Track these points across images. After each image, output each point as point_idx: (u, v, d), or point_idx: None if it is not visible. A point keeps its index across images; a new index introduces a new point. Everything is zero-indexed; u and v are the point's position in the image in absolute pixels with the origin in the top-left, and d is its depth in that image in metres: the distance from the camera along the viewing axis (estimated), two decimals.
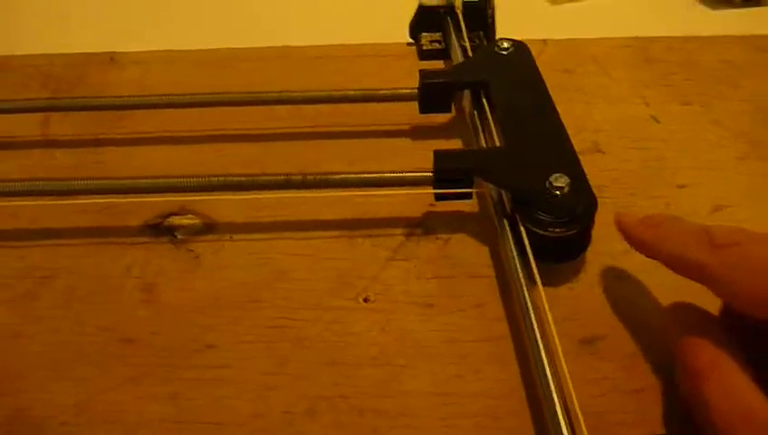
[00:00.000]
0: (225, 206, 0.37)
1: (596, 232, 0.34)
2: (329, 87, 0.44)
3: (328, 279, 0.34)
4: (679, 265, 0.28)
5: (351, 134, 0.42)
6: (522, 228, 0.32)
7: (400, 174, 0.35)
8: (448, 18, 0.48)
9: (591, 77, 0.47)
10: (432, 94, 0.40)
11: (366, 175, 0.35)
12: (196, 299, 0.33)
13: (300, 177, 0.35)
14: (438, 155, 0.35)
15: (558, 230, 0.32)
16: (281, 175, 0.35)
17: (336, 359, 0.31)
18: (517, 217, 0.33)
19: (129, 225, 0.37)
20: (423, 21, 0.49)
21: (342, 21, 0.55)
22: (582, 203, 0.32)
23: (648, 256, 0.30)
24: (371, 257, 0.35)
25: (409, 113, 0.42)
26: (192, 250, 0.35)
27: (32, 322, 0.32)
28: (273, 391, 0.29)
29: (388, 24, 0.51)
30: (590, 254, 0.34)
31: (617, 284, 0.33)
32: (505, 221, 0.33)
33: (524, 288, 0.30)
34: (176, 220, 0.37)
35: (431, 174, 0.34)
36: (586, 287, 0.33)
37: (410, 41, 0.50)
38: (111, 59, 0.49)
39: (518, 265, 0.31)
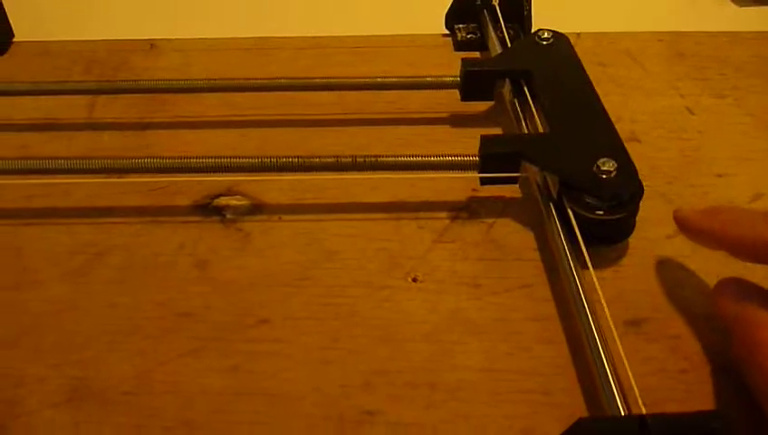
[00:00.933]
0: (273, 188, 0.38)
1: (638, 217, 0.34)
2: (369, 75, 0.45)
3: (376, 259, 0.35)
4: (752, 248, 0.28)
5: (393, 121, 0.43)
6: (569, 212, 0.33)
7: (447, 158, 0.36)
8: (485, 10, 0.49)
9: (626, 69, 0.48)
10: (474, 82, 0.41)
11: (413, 159, 0.36)
12: (247, 276, 0.34)
13: (350, 159, 0.35)
14: (485, 140, 0.35)
15: (605, 214, 0.32)
16: (331, 157, 0.35)
17: (389, 335, 0.31)
18: (564, 200, 0.33)
19: (178, 204, 0.37)
20: (459, 12, 0.50)
21: (378, 11, 0.55)
22: (629, 187, 0.33)
23: (710, 247, 0.31)
24: (418, 239, 0.36)
25: (450, 101, 0.43)
26: (241, 229, 0.36)
27: (87, 296, 0.33)
28: (328, 365, 0.30)
29: (424, 15, 0.52)
30: (633, 239, 0.35)
31: (660, 268, 0.34)
32: (552, 205, 0.34)
33: (574, 271, 0.31)
34: (224, 201, 0.37)
35: (477, 158, 0.35)
36: (630, 271, 0.34)
37: (446, 32, 0.51)
38: (152, 46, 0.49)
39: (566, 248, 0.32)
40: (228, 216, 0.37)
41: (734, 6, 0.57)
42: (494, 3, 0.48)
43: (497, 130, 0.42)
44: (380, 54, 0.49)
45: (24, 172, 0.36)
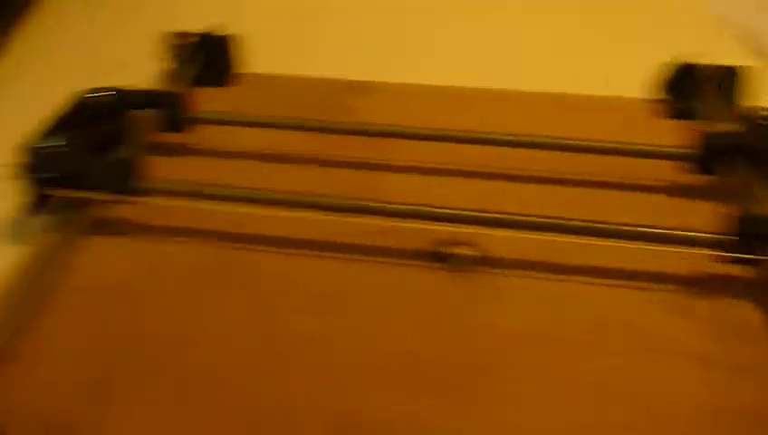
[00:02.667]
0: (498, 241, 0.39)
1: None
2: (570, 135, 0.46)
3: (609, 326, 0.35)
4: None
5: (615, 185, 0.43)
6: None
7: (697, 233, 0.36)
8: (702, 81, 0.49)
9: None
10: (713, 156, 0.41)
11: (654, 231, 0.36)
12: (479, 327, 0.35)
13: (580, 223, 0.36)
14: (745, 220, 0.35)
15: None
16: (565, 219, 0.36)
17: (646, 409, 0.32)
18: None
19: (413, 248, 0.39)
20: (673, 81, 0.50)
21: (580, 69, 0.56)
22: None
23: None
24: (651, 311, 0.36)
25: (669, 170, 0.43)
26: (470, 280, 0.37)
27: (338, 331, 0.35)
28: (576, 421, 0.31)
29: (628, 78, 0.52)
30: None
31: None
32: None
33: None
34: (455, 249, 0.39)
35: (728, 237, 0.35)
36: None
37: (650, 96, 0.51)
38: (363, 87, 0.52)
39: None
40: (459, 263, 0.38)
41: None
42: (709, 74, 0.48)
43: (713, 205, 0.42)
44: (586, 113, 0.50)
45: (265, 203, 0.38)
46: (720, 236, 0.35)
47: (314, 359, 0.33)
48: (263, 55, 0.55)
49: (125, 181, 0.37)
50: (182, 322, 0.35)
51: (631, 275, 0.38)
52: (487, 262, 0.38)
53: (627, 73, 0.52)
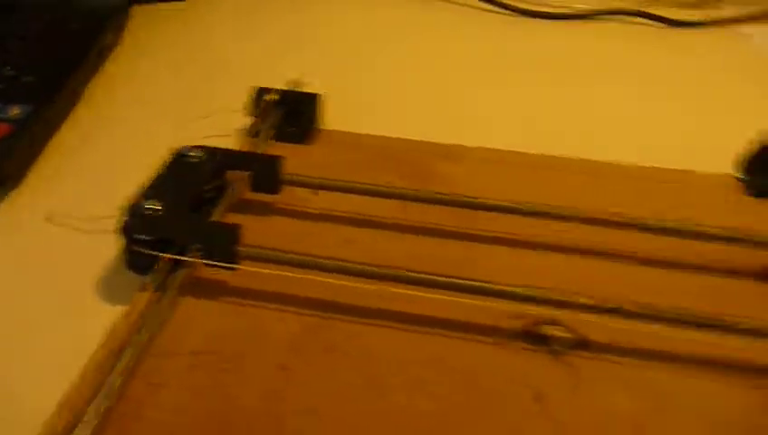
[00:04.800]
0: (595, 323, 0.38)
1: None
2: (656, 210, 0.46)
3: (708, 420, 0.34)
4: None
5: (712, 270, 0.43)
6: None
7: None
8: None
9: None
10: None
11: (756, 324, 0.36)
12: (585, 420, 0.34)
13: (679, 313, 0.36)
14: None
15: None
16: (669, 311, 0.36)
17: None
18: None
19: (507, 327, 0.39)
20: (759, 158, 0.50)
21: (669, 143, 0.56)
22: None
23: None
24: (750, 408, 0.35)
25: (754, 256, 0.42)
26: (570, 364, 0.37)
27: (423, 409, 0.34)
28: None
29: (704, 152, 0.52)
30: None
31: None
32: None
33: None
34: (549, 329, 0.38)
35: None
36: None
37: (728, 172, 0.51)
38: (450, 152, 0.52)
39: None
40: (555, 346, 0.38)
41: None
42: None
43: None
44: (664, 189, 0.50)
45: (359, 275, 0.38)
46: None
47: None
48: (345, 113, 0.55)
49: (228, 247, 0.37)
50: (275, 393, 0.35)
51: (728, 369, 0.37)
52: (583, 345, 0.38)
53: (715, 149, 0.52)
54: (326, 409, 0.34)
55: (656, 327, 0.37)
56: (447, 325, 0.39)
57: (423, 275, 0.38)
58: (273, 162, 0.44)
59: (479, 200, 0.44)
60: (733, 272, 0.43)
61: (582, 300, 0.37)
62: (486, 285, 0.38)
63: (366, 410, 0.34)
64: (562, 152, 0.53)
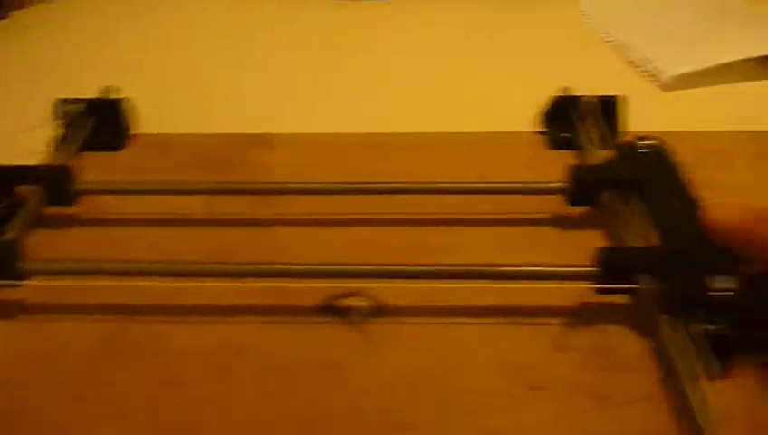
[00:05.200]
0: (393, 290, 0.40)
1: None
2: (467, 172, 0.48)
3: (496, 364, 0.36)
4: None
5: (499, 222, 0.45)
6: (686, 325, 0.34)
7: (563, 268, 0.38)
8: (579, 110, 0.51)
9: (712, 170, 0.49)
10: (583, 189, 0.43)
11: (530, 268, 0.38)
12: (379, 380, 0.36)
13: (467, 268, 0.38)
14: (603, 251, 0.37)
15: (722, 329, 0.34)
16: (448, 266, 0.38)
17: None
18: (680, 313, 0.35)
19: (305, 305, 0.39)
20: (554, 111, 0.52)
21: (477, 109, 0.59)
22: (744, 304, 0.34)
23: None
24: (534, 344, 0.37)
25: (553, 204, 0.45)
26: (366, 331, 0.38)
27: (227, 397, 0.35)
28: None
29: (518, 113, 0.55)
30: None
31: None
32: (667, 317, 0.35)
33: (690, 383, 0.32)
34: (348, 301, 0.39)
35: (594, 268, 0.37)
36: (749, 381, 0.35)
37: (537, 129, 0.53)
38: (265, 140, 0.52)
39: (682, 361, 0.33)
40: (352, 316, 0.39)
41: None
42: (586, 105, 0.51)
43: (600, 234, 0.44)
44: (481, 150, 0.52)
45: (161, 275, 0.38)
46: (588, 269, 0.37)
47: (214, 424, 0.34)
48: (160, 117, 0.55)
49: (8, 265, 0.37)
50: (79, 403, 0.35)
51: (512, 313, 0.39)
52: (380, 312, 0.39)
53: (519, 108, 0.54)
54: (127, 410, 0.34)
55: (451, 283, 0.38)
56: (248, 311, 0.39)
57: (216, 267, 0.38)
58: (62, 173, 0.44)
59: (278, 185, 0.45)
60: (528, 221, 0.45)
61: (374, 268, 0.38)
62: (279, 266, 0.39)
63: (165, 405, 0.35)
64: (379, 129, 0.54)
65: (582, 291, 0.39)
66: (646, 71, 0.63)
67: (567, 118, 0.52)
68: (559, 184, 0.44)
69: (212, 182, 0.46)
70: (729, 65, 0.60)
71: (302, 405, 0.35)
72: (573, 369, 0.36)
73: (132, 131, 0.54)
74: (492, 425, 0.34)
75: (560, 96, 0.52)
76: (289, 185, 0.45)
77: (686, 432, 0.33)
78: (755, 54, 0.61)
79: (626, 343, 0.37)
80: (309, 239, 0.44)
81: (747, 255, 0.33)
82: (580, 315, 0.39)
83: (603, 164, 0.45)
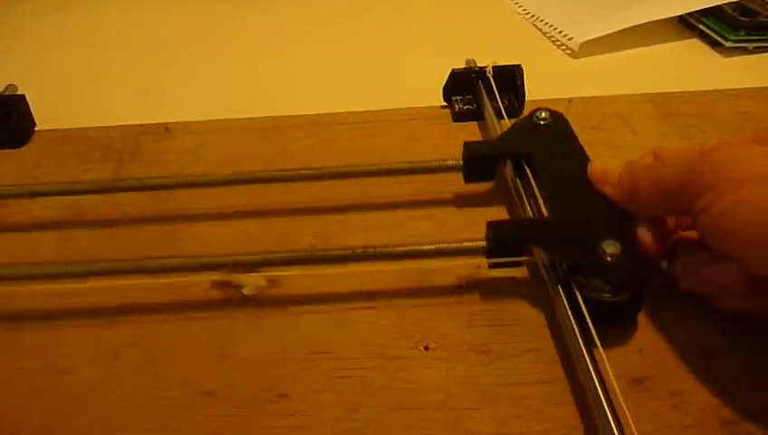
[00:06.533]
0: (289, 274, 0.39)
1: None
2: (373, 150, 0.48)
3: (388, 333, 0.36)
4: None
5: (398, 204, 0.45)
6: (577, 294, 0.34)
7: (455, 244, 0.37)
8: (480, 81, 0.52)
9: (615, 132, 0.50)
10: (476, 165, 0.43)
11: (422, 247, 0.37)
12: (265, 352, 0.35)
13: (361, 250, 0.37)
14: (492, 226, 0.37)
15: (612, 296, 0.34)
16: (343, 249, 0.37)
17: (403, 404, 0.33)
18: (572, 283, 0.35)
19: (199, 289, 0.39)
20: (455, 84, 0.52)
21: (380, 86, 0.59)
22: (635, 269, 0.35)
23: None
24: (427, 308, 0.37)
25: (454, 182, 0.45)
26: (259, 307, 0.38)
27: (116, 379, 0.35)
28: None
29: (423, 88, 0.54)
30: None
31: (659, 325, 0.36)
32: (560, 287, 0.35)
33: (583, 351, 0.32)
34: (241, 278, 0.39)
35: (484, 243, 0.37)
36: (630, 329, 0.36)
37: (444, 104, 0.53)
38: (166, 129, 0.52)
39: (575, 329, 0.33)
40: (245, 292, 0.38)
41: (719, 57, 0.60)
42: (488, 75, 0.51)
43: (501, 210, 0.44)
44: (383, 128, 0.52)
45: (52, 277, 0.38)
46: (479, 244, 0.37)
47: (100, 409, 0.33)
48: (60, 112, 0.54)
49: None
50: None
51: (410, 293, 0.39)
52: (276, 286, 0.39)
53: (428, 82, 0.54)
54: (9, 419, 0.34)
55: (345, 267, 0.38)
56: (142, 309, 0.39)
57: (105, 266, 0.38)
58: None
59: (173, 180, 0.45)
60: (427, 202, 0.45)
61: (266, 257, 0.38)
62: (180, 260, 0.38)
63: (53, 410, 0.34)
64: (284, 112, 0.54)
65: (478, 267, 0.39)
66: (555, 39, 0.64)
67: (470, 90, 0.52)
68: (453, 162, 0.43)
69: (108, 180, 0.46)
70: (636, 29, 0.61)
71: (186, 381, 0.34)
72: (462, 328, 0.36)
73: (33, 128, 0.53)
74: (380, 385, 0.34)
75: (460, 69, 0.52)
76: (188, 178, 0.45)
77: (569, 379, 0.33)
78: (660, 17, 0.62)
79: (516, 299, 0.38)
80: (210, 231, 0.44)
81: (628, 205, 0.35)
82: (473, 277, 0.39)
83: (495, 139, 0.45)
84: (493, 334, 0.36)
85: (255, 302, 0.38)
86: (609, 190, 0.37)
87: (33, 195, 0.45)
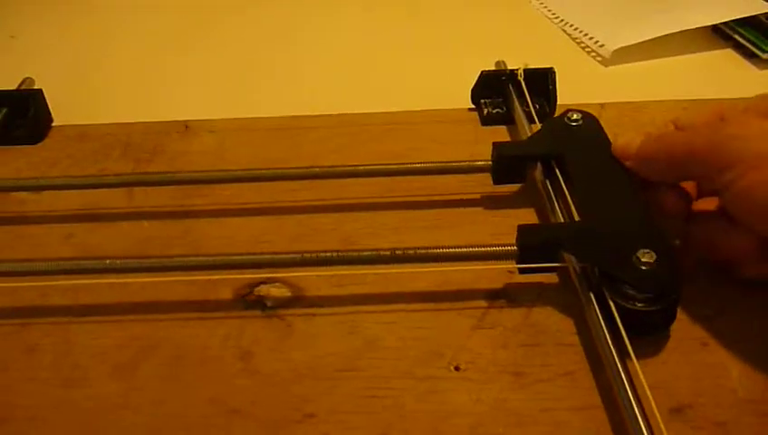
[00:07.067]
0: (313, 276, 0.38)
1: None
2: (397, 152, 0.47)
3: (417, 348, 0.35)
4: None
5: (426, 204, 0.44)
6: (610, 302, 0.33)
7: (485, 248, 0.36)
8: (510, 84, 0.50)
9: None
10: (506, 166, 0.42)
11: (451, 250, 0.36)
12: (291, 368, 0.34)
13: (389, 252, 0.36)
14: (523, 229, 0.36)
15: (646, 305, 0.33)
16: (370, 250, 0.36)
17: (436, 428, 0.31)
18: (604, 290, 0.34)
19: (221, 297, 0.38)
20: (485, 87, 0.51)
21: (406, 87, 0.57)
22: (669, 278, 0.33)
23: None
24: (458, 326, 0.36)
25: (480, 183, 0.44)
26: (283, 319, 0.37)
27: (136, 394, 0.33)
28: None
29: (451, 90, 0.53)
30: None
31: (701, 350, 0.34)
32: (591, 294, 0.34)
33: (617, 362, 0.31)
34: (264, 290, 0.38)
35: (514, 248, 0.36)
36: (671, 355, 0.34)
37: (472, 106, 0.52)
38: (186, 127, 0.51)
39: (608, 339, 0.32)
40: (269, 305, 0.37)
41: (754, 70, 0.58)
42: (519, 78, 0.49)
43: (530, 212, 0.43)
44: (408, 130, 0.50)
45: (68, 272, 0.36)
46: (509, 249, 0.36)
47: (114, 426, 0.32)
48: (75, 106, 0.53)
49: None
50: None
51: (441, 294, 0.38)
52: (297, 301, 0.37)
53: (458, 85, 0.52)
54: (25, 412, 0.33)
55: (371, 269, 0.37)
56: (159, 308, 0.37)
57: (137, 262, 0.36)
58: None
59: (197, 175, 0.43)
60: (456, 202, 0.44)
61: (297, 257, 0.36)
62: (202, 259, 0.37)
63: (66, 405, 0.33)
64: (306, 111, 0.52)
65: (507, 267, 0.38)
66: (585, 45, 0.62)
67: (499, 93, 0.51)
68: (483, 162, 0.42)
69: (134, 174, 0.45)
70: (668, 38, 0.59)
71: (212, 398, 0.33)
72: (495, 348, 0.35)
73: (50, 123, 0.51)
74: (410, 407, 0.32)
75: (490, 70, 0.51)
76: (210, 174, 0.44)
77: (606, 406, 0.32)
78: (693, 26, 0.60)
79: (550, 318, 0.36)
80: (231, 228, 0.42)
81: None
82: (503, 293, 0.37)
83: (525, 139, 0.44)
84: (526, 354, 0.34)
85: (280, 314, 0.37)
86: (629, 163, 0.38)
87: (48, 188, 0.44)
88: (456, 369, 0.34)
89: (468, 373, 0.34)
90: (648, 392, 0.30)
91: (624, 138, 0.39)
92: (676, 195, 0.36)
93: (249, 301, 0.37)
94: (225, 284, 0.38)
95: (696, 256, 0.36)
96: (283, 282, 0.38)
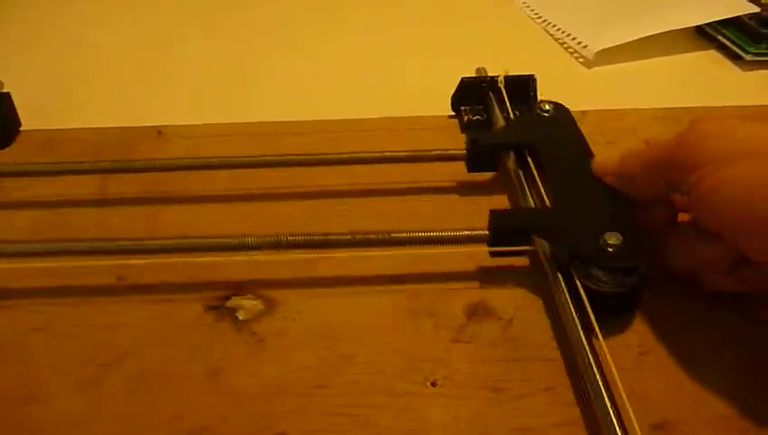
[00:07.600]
0: (285, 286, 0.37)
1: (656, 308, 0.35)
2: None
3: (393, 363, 0.34)
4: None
5: (400, 192, 0.44)
6: (578, 282, 0.34)
7: (458, 232, 0.37)
8: (490, 92, 0.49)
9: (629, 146, 0.48)
10: (479, 154, 0.43)
11: (424, 234, 0.36)
12: (262, 384, 0.33)
13: (361, 235, 0.36)
14: (495, 214, 0.36)
15: (612, 286, 0.34)
16: (344, 234, 0.37)
17: None
18: (573, 271, 0.34)
19: (190, 309, 0.37)
20: (465, 94, 0.50)
21: (385, 95, 0.56)
22: (635, 259, 0.34)
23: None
24: (435, 340, 0.35)
25: (455, 172, 0.44)
26: (255, 332, 0.35)
27: (100, 410, 0.32)
28: None
29: (430, 98, 0.52)
30: (653, 331, 0.35)
31: (682, 364, 0.33)
32: (560, 275, 0.35)
33: (583, 340, 0.32)
34: (236, 301, 0.37)
35: (486, 232, 0.36)
36: (652, 369, 0.33)
37: (452, 113, 0.51)
38: (159, 132, 0.49)
39: (575, 317, 0.33)
40: (241, 317, 0.36)
41: (739, 71, 0.58)
42: (499, 85, 0.49)
43: (503, 199, 0.43)
44: (387, 137, 0.49)
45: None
46: (481, 233, 0.36)
47: None
48: (44, 111, 0.52)
49: None
50: None
51: (418, 306, 0.37)
52: (273, 310, 0.36)
53: (439, 90, 0.51)
54: None
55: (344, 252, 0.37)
56: (123, 317, 0.36)
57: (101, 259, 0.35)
58: None
59: (171, 162, 0.44)
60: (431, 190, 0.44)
61: (270, 240, 0.36)
62: (159, 242, 0.37)
63: (21, 420, 0.32)
64: (285, 117, 0.51)
65: (479, 257, 0.38)
66: (568, 46, 0.61)
67: (480, 100, 0.50)
68: (456, 151, 0.43)
69: (98, 161, 0.45)
70: (652, 39, 0.59)
71: (178, 415, 0.32)
72: (473, 362, 0.34)
73: (18, 128, 0.50)
74: (385, 425, 0.31)
75: (470, 77, 0.50)
76: (184, 161, 0.45)
77: (587, 422, 0.31)
78: (677, 27, 0.60)
79: (528, 331, 0.35)
80: (207, 216, 0.42)
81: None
82: (481, 303, 0.37)
83: (499, 129, 0.45)
84: (504, 369, 0.33)
85: (251, 328, 0.36)
86: (609, 180, 0.38)
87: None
88: (433, 385, 0.33)
89: (445, 389, 0.33)
90: (629, 406, 0.29)
91: (602, 155, 0.39)
92: (659, 210, 0.36)
93: (219, 313, 0.36)
94: (195, 295, 0.37)
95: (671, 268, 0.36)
96: (255, 293, 0.37)
